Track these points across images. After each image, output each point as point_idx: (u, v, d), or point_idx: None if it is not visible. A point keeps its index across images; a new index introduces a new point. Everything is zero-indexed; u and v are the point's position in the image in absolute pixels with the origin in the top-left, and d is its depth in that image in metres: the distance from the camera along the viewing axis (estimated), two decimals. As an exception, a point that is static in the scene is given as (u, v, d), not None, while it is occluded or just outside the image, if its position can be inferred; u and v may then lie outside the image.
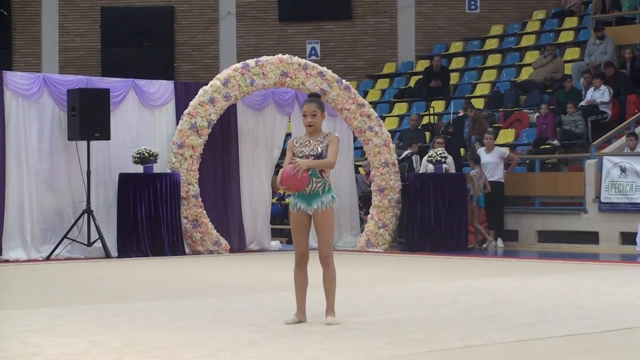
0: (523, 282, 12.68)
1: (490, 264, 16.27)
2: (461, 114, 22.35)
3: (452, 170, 19.28)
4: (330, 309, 8.70)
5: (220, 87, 18.01)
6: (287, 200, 21.30)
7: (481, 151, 19.57)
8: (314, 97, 8.93)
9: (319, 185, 8.55)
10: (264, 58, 18.53)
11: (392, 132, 21.03)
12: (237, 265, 15.68)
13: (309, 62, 18.98)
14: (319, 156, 8.60)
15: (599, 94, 21.04)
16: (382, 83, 27.40)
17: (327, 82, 18.63)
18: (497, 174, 19.27)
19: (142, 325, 8.71)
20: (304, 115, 8.76)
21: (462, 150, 21.47)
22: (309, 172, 8.47)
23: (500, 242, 19.21)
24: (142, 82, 18.29)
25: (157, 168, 17.61)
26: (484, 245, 19.14)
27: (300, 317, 8.67)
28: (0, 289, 12.35)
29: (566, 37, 25.89)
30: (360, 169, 21.04)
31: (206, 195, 18.05)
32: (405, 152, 20.15)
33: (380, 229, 18.87)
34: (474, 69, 26.57)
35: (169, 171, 17.64)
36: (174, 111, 18.25)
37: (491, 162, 19.30)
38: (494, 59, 26.59)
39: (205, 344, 7.64)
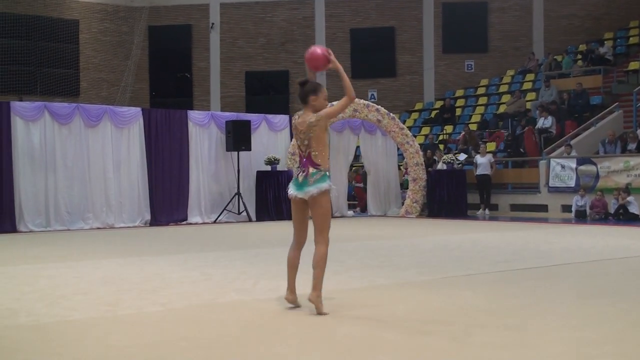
0: (501, 235, 12.55)
1: (481, 224, 16.09)
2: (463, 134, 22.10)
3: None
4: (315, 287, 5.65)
5: (316, 119, 18.02)
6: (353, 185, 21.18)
7: (477, 156, 19.31)
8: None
9: (315, 175, 5.71)
10: (342, 101, 18.50)
11: (421, 145, 20.83)
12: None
13: (370, 102, 18.89)
14: (311, 124, 5.60)
15: (548, 122, 20.67)
16: (414, 115, 27.13)
17: (381, 114, 18.52)
18: (487, 170, 18.91)
19: (270, 261, 8.79)
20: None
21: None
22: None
23: (487, 211, 18.94)
24: (270, 116, 18.37)
25: (279, 167, 17.67)
26: (477, 213, 18.93)
27: (290, 296, 5.79)
28: (189, 240, 12.55)
29: (527, 85, 25.43)
30: (401, 167, 20.91)
31: (308, 183, 18.06)
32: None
33: (414, 203, 18.72)
34: (470, 106, 26.19)
35: (286, 169, 17.70)
36: (289, 133, 18.24)
37: (484, 162, 19.00)
38: (482, 100, 26.19)
39: (306, 271, 7.68)
